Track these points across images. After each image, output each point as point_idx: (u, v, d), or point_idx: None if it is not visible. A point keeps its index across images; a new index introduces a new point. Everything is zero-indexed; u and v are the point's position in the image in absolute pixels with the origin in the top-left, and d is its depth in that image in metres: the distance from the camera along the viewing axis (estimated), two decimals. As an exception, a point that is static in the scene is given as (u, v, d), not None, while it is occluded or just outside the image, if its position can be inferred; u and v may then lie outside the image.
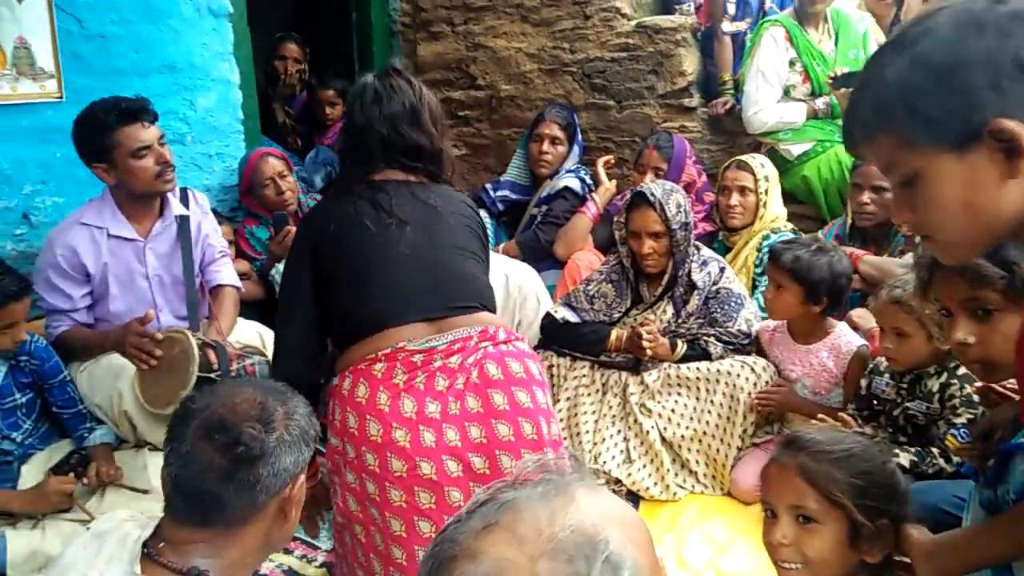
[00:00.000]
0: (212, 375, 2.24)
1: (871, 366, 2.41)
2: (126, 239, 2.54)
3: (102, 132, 2.41)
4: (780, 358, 2.69)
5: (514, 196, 3.69)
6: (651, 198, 2.71)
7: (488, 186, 3.79)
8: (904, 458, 2.07)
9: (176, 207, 2.63)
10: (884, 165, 1.00)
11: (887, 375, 2.32)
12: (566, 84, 4.12)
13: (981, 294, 1.26)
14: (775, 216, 3.19)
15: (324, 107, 4.28)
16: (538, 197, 3.60)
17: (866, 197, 2.93)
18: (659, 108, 3.96)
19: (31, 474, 2.28)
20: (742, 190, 3.13)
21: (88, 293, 2.52)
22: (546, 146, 3.55)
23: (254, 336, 2.68)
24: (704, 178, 3.53)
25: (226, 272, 2.78)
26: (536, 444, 1.77)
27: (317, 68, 4.54)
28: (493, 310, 1.91)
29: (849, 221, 3.05)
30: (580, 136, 3.73)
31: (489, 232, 3.49)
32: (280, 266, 3.20)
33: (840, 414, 2.26)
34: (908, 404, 2.22)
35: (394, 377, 1.73)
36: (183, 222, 2.61)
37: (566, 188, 3.54)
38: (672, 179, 3.21)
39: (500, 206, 3.70)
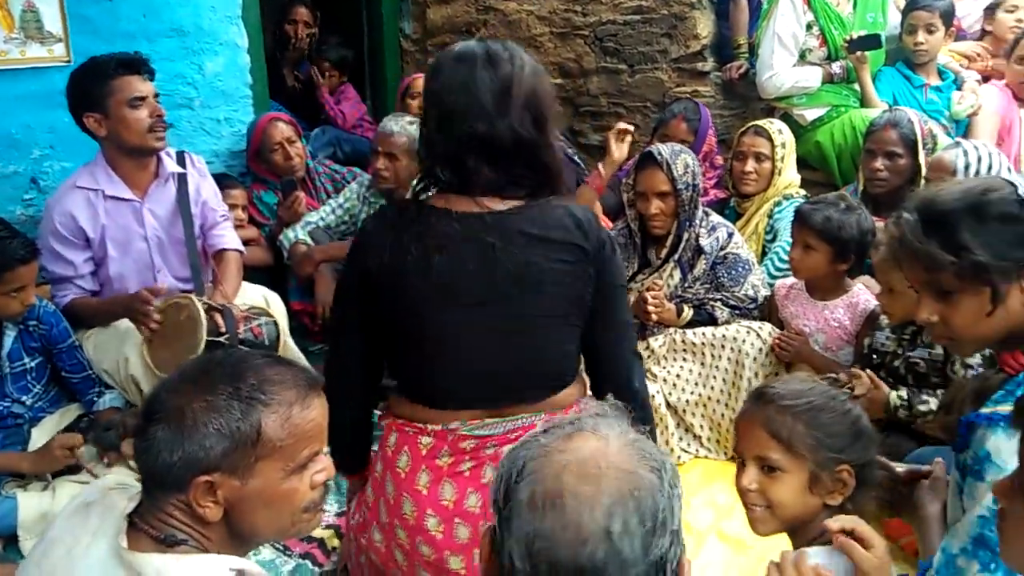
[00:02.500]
0: (220, 339, 2.26)
1: (875, 323, 2.46)
2: (123, 199, 2.53)
3: (99, 79, 2.41)
4: (794, 313, 2.68)
5: None
6: (659, 158, 2.69)
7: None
8: (894, 396, 2.16)
9: (171, 165, 2.62)
10: None
11: (888, 330, 2.37)
12: (577, 48, 4.06)
13: (937, 277, 1.26)
14: (788, 183, 3.15)
15: (321, 76, 4.22)
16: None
17: (879, 163, 2.88)
18: (672, 73, 3.90)
19: (41, 438, 2.31)
20: (758, 156, 3.09)
21: (90, 258, 2.53)
22: None
23: (259, 299, 2.69)
24: (716, 145, 3.48)
25: (228, 236, 2.78)
26: None
27: (326, 31, 4.51)
28: (570, 380, 1.60)
29: (861, 187, 3.00)
30: None
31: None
32: (289, 231, 3.21)
33: (853, 369, 2.29)
34: (910, 354, 2.27)
35: (439, 458, 1.55)
36: (181, 183, 2.61)
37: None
38: (696, 150, 3.17)
39: None
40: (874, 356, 2.38)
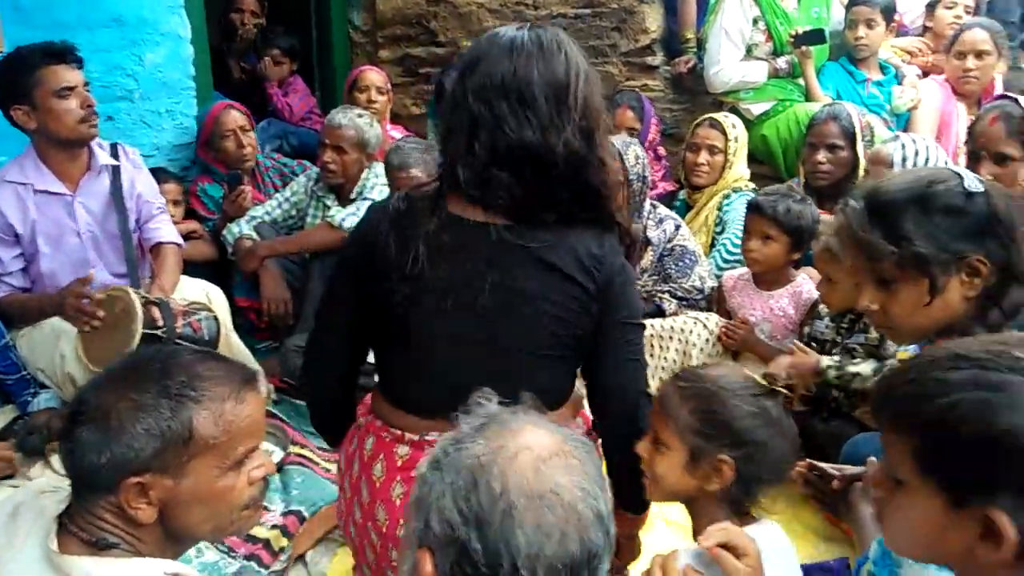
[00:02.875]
0: (157, 332, 2.20)
1: (815, 313, 2.52)
2: (53, 193, 2.46)
3: (25, 70, 2.33)
4: (740, 304, 2.73)
5: None
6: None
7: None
8: (825, 360, 2.22)
9: (104, 158, 2.55)
10: None
11: (827, 319, 2.43)
12: (528, 41, 4.05)
13: (879, 266, 1.28)
14: (738, 176, 3.19)
15: (273, 64, 4.11)
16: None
17: (821, 156, 2.93)
18: (622, 66, 3.93)
19: (-26, 440, 2.24)
20: (711, 149, 3.13)
21: (20, 255, 2.45)
22: None
23: (200, 294, 2.64)
24: (658, 137, 3.51)
25: (165, 229, 2.72)
26: None
27: (273, 21, 4.42)
28: (555, 408, 1.47)
29: (803, 180, 3.05)
30: None
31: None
32: (233, 226, 3.15)
33: (793, 343, 2.38)
34: (848, 341, 2.32)
35: (415, 470, 1.46)
36: (115, 175, 2.53)
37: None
38: (642, 138, 3.19)
39: None
40: (813, 344, 2.43)
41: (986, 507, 0.80)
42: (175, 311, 2.26)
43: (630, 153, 2.70)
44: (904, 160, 2.54)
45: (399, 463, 1.48)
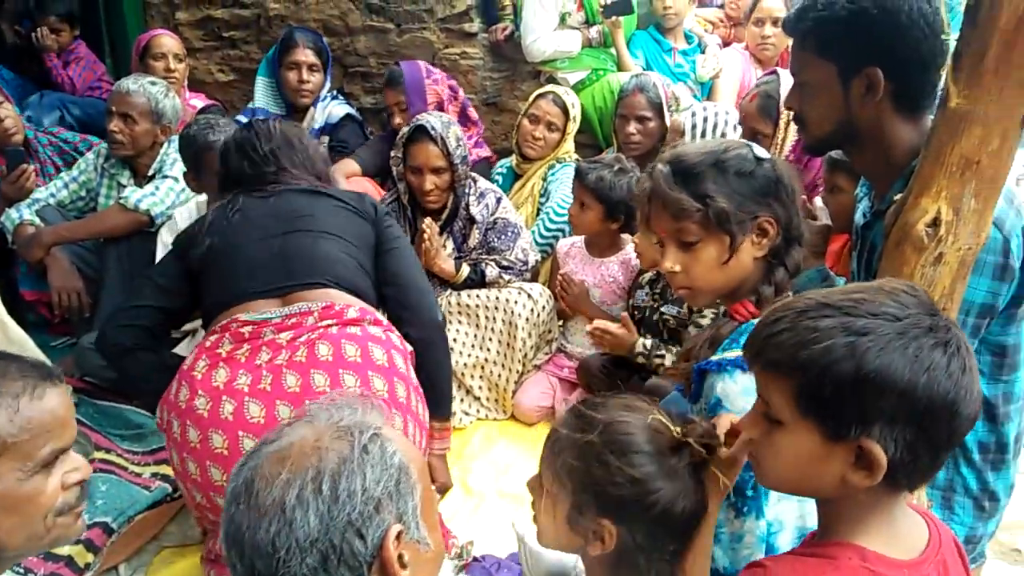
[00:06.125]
0: None
1: (636, 282, 2.62)
2: None
3: None
4: (573, 270, 2.79)
5: None
6: (432, 132, 2.62)
7: (240, 117, 3.49)
8: (640, 343, 2.36)
9: None
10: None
11: (647, 288, 2.54)
12: (341, 4, 3.88)
13: (682, 226, 1.32)
14: (567, 150, 3.23)
15: (51, 33, 3.70)
16: (314, 128, 3.40)
17: (631, 128, 3.02)
18: (440, 33, 3.85)
19: None
20: (550, 125, 3.13)
21: None
22: (305, 74, 3.35)
23: None
24: (463, 96, 3.45)
25: None
26: None
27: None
28: (353, 290, 1.88)
29: (616, 151, 3.13)
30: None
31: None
32: (11, 211, 2.81)
33: (623, 315, 2.45)
34: (662, 309, 2.43)
35: (220, 347, 1.73)
36: None
37: (347, 116, 3.44)
38: (418, 107, 3.11)
39: None
40: (635, 312, 2.54)
41: (860, 439, 0.89)
42: None
43: (451, 136, 2.64)
44: (694, 128, 2.66)
45: (207, 345, 1.76)
